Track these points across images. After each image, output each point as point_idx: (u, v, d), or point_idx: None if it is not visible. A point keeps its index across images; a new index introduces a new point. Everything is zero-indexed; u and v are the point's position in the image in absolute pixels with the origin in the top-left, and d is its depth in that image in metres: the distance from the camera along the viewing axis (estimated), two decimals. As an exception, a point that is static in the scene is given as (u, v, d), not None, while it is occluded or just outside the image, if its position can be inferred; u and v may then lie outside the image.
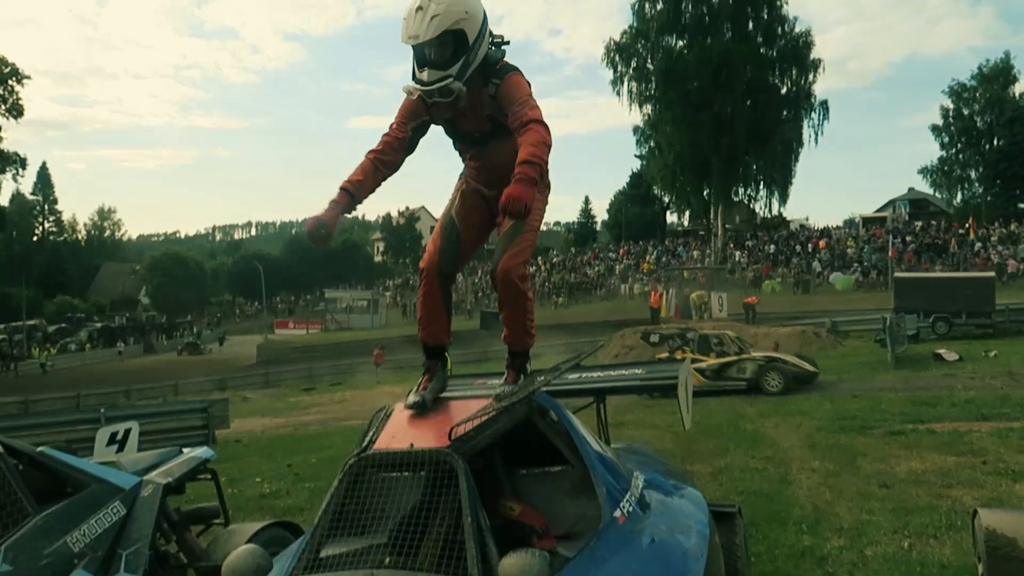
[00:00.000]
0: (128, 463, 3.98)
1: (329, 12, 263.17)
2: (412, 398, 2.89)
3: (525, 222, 2.84)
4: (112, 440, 5.79)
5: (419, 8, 2.69)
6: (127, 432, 5.75)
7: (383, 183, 2.98)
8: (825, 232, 48.06)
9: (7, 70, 40.30)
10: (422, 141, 3.05)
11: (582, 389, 4.26)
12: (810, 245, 44.67)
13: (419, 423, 2.73)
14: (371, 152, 2.92)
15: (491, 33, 2.88)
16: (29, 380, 36.93)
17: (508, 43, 2.92)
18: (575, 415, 3.35)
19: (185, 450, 4.44)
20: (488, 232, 3.19)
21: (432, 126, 3.04)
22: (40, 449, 3.59)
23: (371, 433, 2.68)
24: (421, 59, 2.78)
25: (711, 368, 15.37)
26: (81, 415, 13.96)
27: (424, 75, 2.76)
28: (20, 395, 27.55)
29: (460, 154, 3.17)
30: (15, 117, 41.19)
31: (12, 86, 40.55)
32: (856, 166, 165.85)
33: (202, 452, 4.46)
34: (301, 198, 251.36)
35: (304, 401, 24.49)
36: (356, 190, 2.85)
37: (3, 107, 40.45)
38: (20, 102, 41.10)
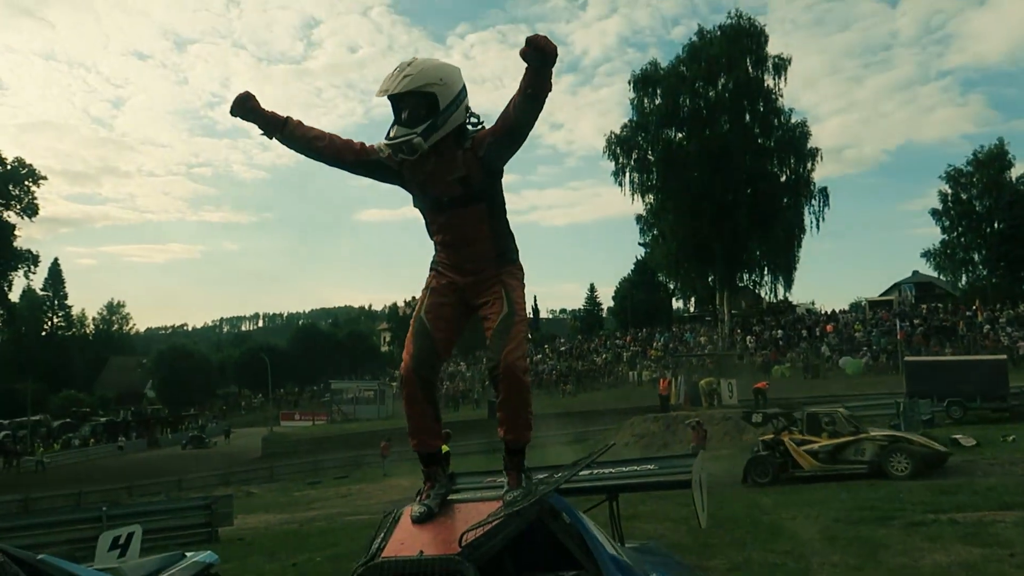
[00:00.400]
0: (130, 570, 3.88)
1: (338, 111, 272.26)
2: (417, 509, 2.82)
3: (514, 314, 2.88)
4: (114, 544, 5.64)
5: (398, 68, 2.79)
6: (130, 536, 5.62)
7: (310, 154, 3.02)
8: (832, 316, 47.94)
9: (24, 171, 41.38)
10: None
11: (593, 487, 4.17)
12: (818, 329, 44.50)
13: (428, 528, 2.66)
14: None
15: (469, 109, 2.91)
16: (31, 477, 36.40)
17: (483, 123, 2.91)
18: (587, 513, 3.26)
19: (188, 554, 4.33)
20: (462, 325, 3.12)
21: (393, 185, 3.05)
22: (40, 557, 3.50)
23: (379, 539, 2.61)
24: (395, 119, 2.85)
25: (824, 450, 14.20)
26: (82, 514, 13.72)
27: (392, 131, 2.83)
28: (21, 492, 27.08)
29: (428, 228, 3.09)
30: (30, 217, 42.04)
31: (28, 186, 41.55)
32: (859, 250, 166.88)
33: (205, 556, 4.35)
34: (308, 290, 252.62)
35: (310, 495, 24.03)
36: (293, 123, 2.96)
37: (18, 207, 41.31)
38: (35, 202, 42.06)
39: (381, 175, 3.06)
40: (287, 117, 2.99)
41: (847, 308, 53.04)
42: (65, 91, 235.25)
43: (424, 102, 2.79)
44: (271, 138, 3.00)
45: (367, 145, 3.03)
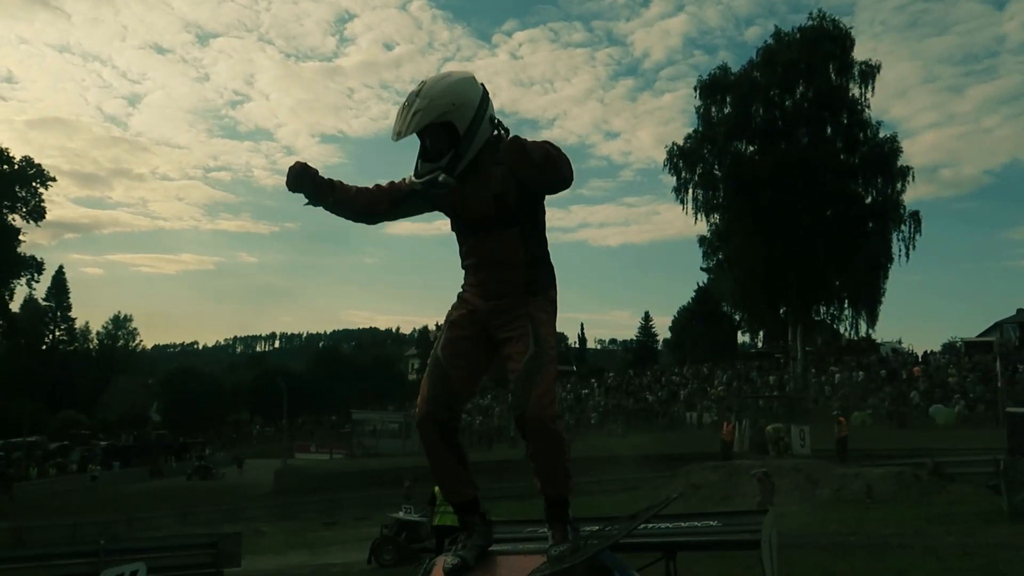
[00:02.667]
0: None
1: (370, 113, 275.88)
2: (451, 560, 2.81)
3: (542, 355, 2.85)
4: (115, 583, 5.73)
5: (405, 105, 2.83)
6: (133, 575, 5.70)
7: (350, 215, 3.09)
8: (922, 358, 46.96)
9: (31, 171, 42.70)
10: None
11: (649, 543, 4.13)
12: (904, 372, 43.59)
13: (465, 585, 2.66)
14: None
15: (495, 120, 2.90)
16: (24, 505, 37.21)
17: (507, 131, 2.87)
18: (640, 573, 3.23)
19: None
20: (484, 360, 3.07)
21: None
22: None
23: (410, 594, 2.62)
24: (422, 151, 2.90)
25: None
26: (79, 547, 13.95)
27: (419, 167, 2.89)
28: (13, 521, 27.72)
29: (460, 252, 3.11)
30: (36, 221, 43.31)
31: (36, 188, 42.84)
32: (955, 284, 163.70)
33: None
34: (330, 309, 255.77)
35: (325, 537, 24.14)
36: (337, 185, 3.02)
37: (24, 209, 42.57)
38: (42, 205, 43.34)
39: (417, 207, 3.12)
40: (331, 180, 3.03)
41: (939, 349, 51.97)
42: (78, 86, 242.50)
43: (443, 131, 2.84)
44: (317, 206, 3.01)
45: (394, 183, 3.08)
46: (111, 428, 70.70)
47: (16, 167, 42.18)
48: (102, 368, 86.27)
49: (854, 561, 12.22)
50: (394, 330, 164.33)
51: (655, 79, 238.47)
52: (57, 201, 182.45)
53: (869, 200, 43.84)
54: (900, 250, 43.79)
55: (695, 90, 45.03)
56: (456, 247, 3.13)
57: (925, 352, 49.55)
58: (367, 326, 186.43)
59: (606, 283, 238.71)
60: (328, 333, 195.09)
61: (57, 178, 44.73)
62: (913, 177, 43.69)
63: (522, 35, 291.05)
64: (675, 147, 45.06)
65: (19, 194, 42.22)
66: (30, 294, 68.29)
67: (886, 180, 43.38)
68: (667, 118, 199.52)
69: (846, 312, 45.88)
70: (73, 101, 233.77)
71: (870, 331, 48.00)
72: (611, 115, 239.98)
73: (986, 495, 19.21)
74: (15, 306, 49.44)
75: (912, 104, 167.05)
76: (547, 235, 3.09)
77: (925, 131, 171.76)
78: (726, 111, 44.26)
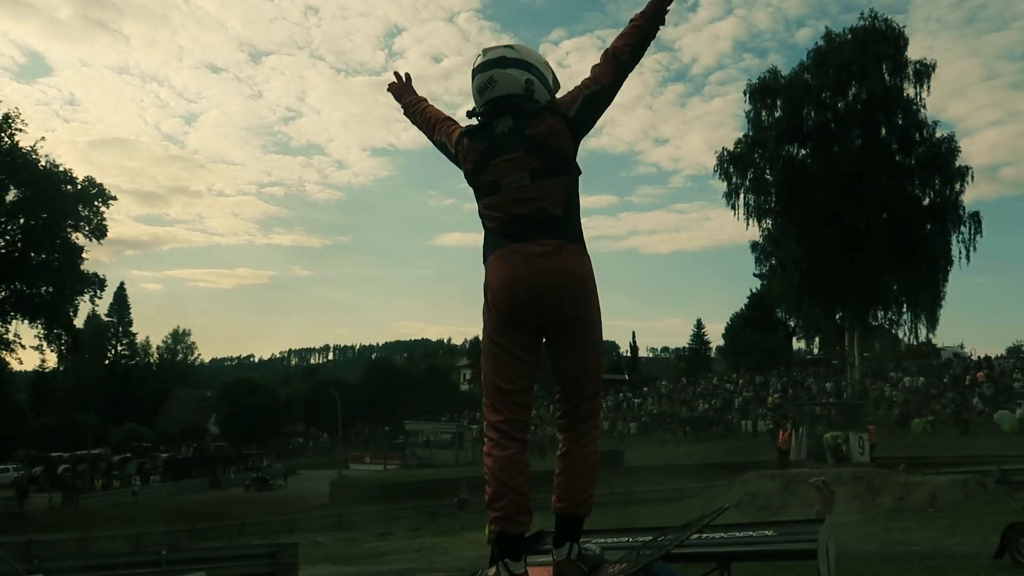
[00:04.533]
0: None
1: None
2: (502, 573, 2.86)
3: (591, 334, 3.02)
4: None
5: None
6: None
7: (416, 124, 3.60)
8: (985, 362, 45.74)
9: (94, 191, 43.87)
10: None
11: (703, 553, 4.11)
12: (968, 378, 42.51)
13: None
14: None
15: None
16: (89, 515, 38.20)
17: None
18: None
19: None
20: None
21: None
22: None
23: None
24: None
25: None
26: (142, 557, 14.30)
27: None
28: (79, 531, 28.53)
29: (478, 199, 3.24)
30: (98, 239, 44.43)
31: (98, 207, 43.99)
32: (1018, 286, 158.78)
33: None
34: (382, 321, 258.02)
35: (380, 548, 24.35)
36: (418, 105, 3.62)
37: (87, 228, 43.72)
38: (104, 223, 44.44)
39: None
40: (413, 100, 3.67)
41: (1004, 353, 50.68)
42: (137, 106, 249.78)
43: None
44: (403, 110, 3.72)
45: (451, 126, 3.39)
46: (171, 440, 72.23)
47: (80, 187, 43.38)
48: (162, 381, 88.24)
49: (916, 572, 11.94)
50: (446, 341, 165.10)
51: (704, 84, 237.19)
52: (118, 219, 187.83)
53: (927, 202, 42.82)
54: (960, 252, 42.60)
55: (745, 94, 44.39)
56: None
57: (988, 356, 48.24)
58: (419, 337, 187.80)
59: (657, 291, 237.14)
60: (380, 345, 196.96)
61: (118, 196, 45.92)
62: (972, 177, 42.51)
63: (569, 43, 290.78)
64: (725, 152, 44.55)
65: (82, 213, 43.38)
66: (93, 310, 70.07)
67: (944, 181, 42.35)
68: (717, 123, 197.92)
69: (905, 316, 44.87)
70: (132, 121, 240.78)
71: (930, 335, 46.91)
72: (660, 121, 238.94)
73: (1056, 503, 18.63)
74: (79, 322, 50.69)
75: (971, 102, 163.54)
76: (591, 244, 3.18)
77: (985, 129, 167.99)
78: (777, 115, 43.62)
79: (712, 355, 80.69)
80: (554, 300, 2.94)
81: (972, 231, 42.46)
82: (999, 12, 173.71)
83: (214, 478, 54.98)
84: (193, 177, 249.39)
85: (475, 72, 3.13)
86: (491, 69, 3.08)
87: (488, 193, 3.08)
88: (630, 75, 3.13)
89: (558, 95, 3.17)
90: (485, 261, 3.10)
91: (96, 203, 43.95)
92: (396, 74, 3.80)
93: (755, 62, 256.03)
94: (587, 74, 3.13)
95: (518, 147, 2.98)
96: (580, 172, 3.10)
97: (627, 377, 72.89)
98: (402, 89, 3.75)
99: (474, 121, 3.17)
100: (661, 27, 3.09)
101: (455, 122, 3.37)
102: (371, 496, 39.53)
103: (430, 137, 3.45)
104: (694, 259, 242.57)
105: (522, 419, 3.04)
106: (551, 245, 2.95)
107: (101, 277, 46.41)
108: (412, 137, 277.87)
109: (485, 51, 3.13)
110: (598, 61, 3.14)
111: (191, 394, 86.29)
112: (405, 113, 3.67)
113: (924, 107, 42.37)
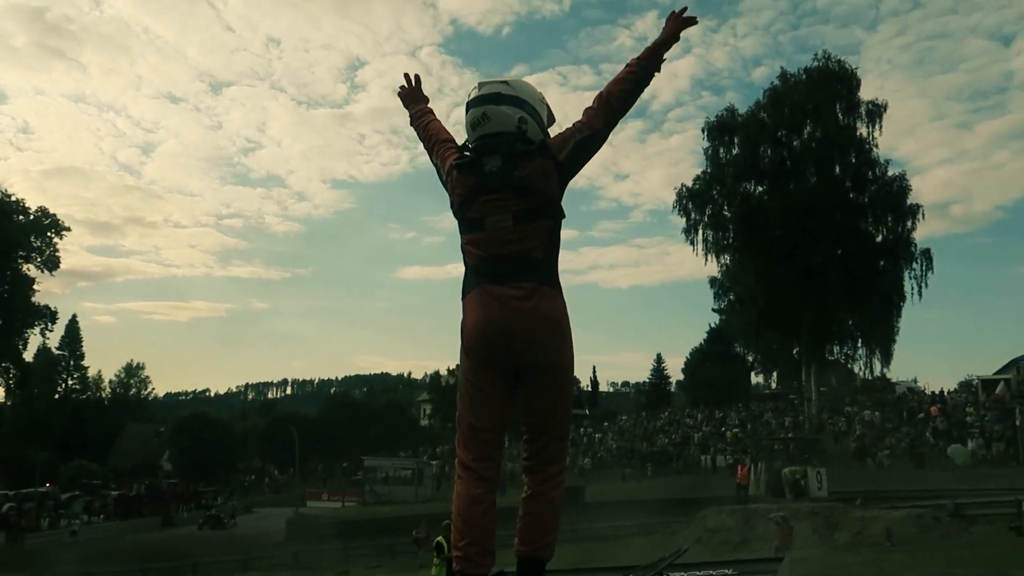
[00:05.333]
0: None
1: (381, 158, 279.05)
2: None
3: (563, 377, 3.03)
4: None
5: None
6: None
7: (419, 138, 3.66)
8: (939, 396, 46.51)
9: (47, 221, 43.20)
10: None
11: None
12: (922, 412, 43.16)
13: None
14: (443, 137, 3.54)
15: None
16: (35, 555, 36.99)
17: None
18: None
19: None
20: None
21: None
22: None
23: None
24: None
25: None
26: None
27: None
28: (23, 573, 27.65)
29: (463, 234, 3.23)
30: (50, 270, 43.70)
31: (50, 237, 43.29)
32: (969, 321, 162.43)
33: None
34: (341, 354, 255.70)
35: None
36: (423, 116, 3.70)
37: (39, 259, 42.98)
38: (57, 254, 43.75)
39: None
40: (421, 109, 3.74)
41: (956, 388, 51.47)
42: (94, 135, 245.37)
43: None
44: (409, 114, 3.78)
45: (448, 147, 3.44)
46: (122, 476, 70.41)
47: (32, 217, 42.69)
48: (115, 416, 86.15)
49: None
50: (406, 375, 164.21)
51: (663, 120, 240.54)
52: (71, 250, 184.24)
53: (880, 238, 43.80)
54: (913, 288, 43.62)
55: (703, 131, 45.25)
56: None
57: (941, 391, 49.05)
58: (378, 371, 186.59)
59: (618, 325, 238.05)
60: (340, 379, 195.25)
61: (71, 227, 45.30)
62: (923, 215, 43.68)
63: (531, 79, 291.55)
64: (684, 188, 45.19)
65: (34, 244, 42.66)
66: (44, 343, 68.57)
67: (896, 218, 43.38)
68: (676, 159, 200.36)
69: (860, 351, 45.66)
70: (88, 150, 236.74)
71: (885, 370, 47.73)
72: (620, 157, 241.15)
73: (1008, 537, 18.93)
74: (29, 355, 49.59)
75: (921, 141, 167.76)
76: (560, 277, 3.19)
77: (935, 168, 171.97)
78: (734, 152, 44.44)
79: (672, 389, 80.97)
80: (526, 343, 2.95)
81: (924, 268, 43.47)
82: (947, 54, 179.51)
83: (166, 516, 53.60)
84: (149, 208, 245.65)
85: (469, 105, 3.15)
86: (485, 105, 3.10)
87: (472, 229, 3.09)
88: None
89: (552, 131, 3.20)
90: (463, 299, 3.11)
91: (49, 234, 43.29)
92: (406, 76, 3.81)
93: (713, 100, 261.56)
94: (556, 108, 3.20)
95: (504, 188, 3.00)
96: (564, 216, 3.11)
97: (587, 412, 72.86)
98: (411, 96, 3.78)
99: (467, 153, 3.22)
100: (656, 74, 3.13)
101: (453, 145, 3.39)
102: (329, 534, 38.84)
103: (429, 156, 3.50)
104: (654, 294, 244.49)
105: (492, 458, 3.04)
106: (526, 288, 2.96)
107: (52, 309, 45.65)
108: (373, 170, 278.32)
109: (481, 85, 3.16)
110: (591, 104, 3.16)
111: (144, 429, 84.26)
112: (411, 123, 3.71)
113: (876, 146, 43.52)
